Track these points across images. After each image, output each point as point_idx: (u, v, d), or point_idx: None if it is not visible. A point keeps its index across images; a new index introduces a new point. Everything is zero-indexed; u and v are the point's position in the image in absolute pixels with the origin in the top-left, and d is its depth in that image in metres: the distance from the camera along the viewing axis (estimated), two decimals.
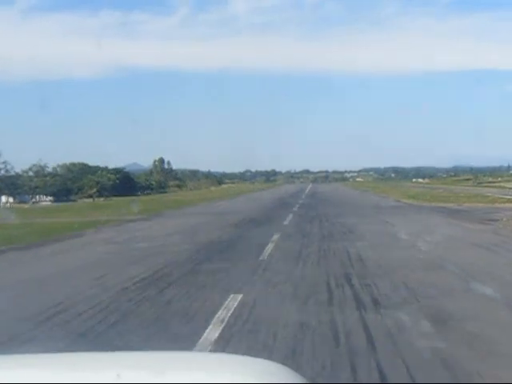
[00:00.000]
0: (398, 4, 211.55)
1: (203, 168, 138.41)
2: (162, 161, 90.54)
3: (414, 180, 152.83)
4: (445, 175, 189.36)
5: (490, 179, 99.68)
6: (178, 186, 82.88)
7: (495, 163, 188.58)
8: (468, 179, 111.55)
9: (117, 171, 63.13)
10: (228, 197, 53.81)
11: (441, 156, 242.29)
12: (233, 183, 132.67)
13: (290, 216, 24.98)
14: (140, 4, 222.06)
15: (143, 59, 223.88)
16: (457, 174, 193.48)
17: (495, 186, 67.55)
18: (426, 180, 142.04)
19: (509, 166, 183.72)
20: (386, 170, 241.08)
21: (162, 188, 73.98)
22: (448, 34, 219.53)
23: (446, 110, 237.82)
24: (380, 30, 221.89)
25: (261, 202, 42.32)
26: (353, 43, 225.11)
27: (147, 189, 68.38)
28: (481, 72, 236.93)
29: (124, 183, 59.98)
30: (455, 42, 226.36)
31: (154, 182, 76.12)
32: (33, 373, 1.56)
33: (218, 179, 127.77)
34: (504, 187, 60.21)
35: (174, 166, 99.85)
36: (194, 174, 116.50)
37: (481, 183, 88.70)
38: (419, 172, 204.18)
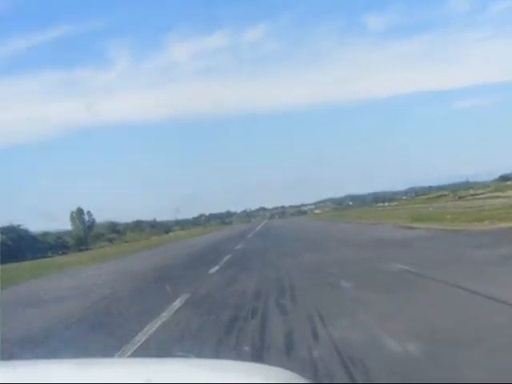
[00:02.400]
0: (334, 37, 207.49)
1: (157, 217, 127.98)
2: (80, 212, 76.79)
3: (380, 204, 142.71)
4: (405, 197, 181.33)
5: (472, 192, 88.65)
6: (110, 240, 69.48)
7: (451, 180, 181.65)
8: (442, 195, 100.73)
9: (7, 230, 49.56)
10: (157, 246, 46.88)
11: (394, 179, 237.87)
12: (182, 229, 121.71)
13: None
14: (79, 60, 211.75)
15: (88, 115, 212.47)
16: (418, 194, 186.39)
17: (491, 197, 56.68)
18: (394, 203, 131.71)
19: (468, 182, 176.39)
20: (343, 199, 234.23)
21: (82, 245, 59.85)
22: (385, 60, 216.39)
23: (392, 134, 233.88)
24: (319, 63, 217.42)
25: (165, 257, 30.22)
26: (292, 78, 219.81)
27: (61, 248, 54.54)
28: (420, 94, 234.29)
29: (19, 244, 46.67)
30: (395, 67, 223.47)
31: (69, 239, 62.24)
32: (50, 381, 1.57)
33: (165, 228, 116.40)
34: (510, 196, 49.15)
35: (119, 219, 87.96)
36: (138, 225, 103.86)
37: (463, 197, 77.95)
38: (377, 197, 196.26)
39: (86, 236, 67.89)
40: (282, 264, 16.64)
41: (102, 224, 79.81)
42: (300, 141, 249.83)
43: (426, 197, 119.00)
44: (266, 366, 1.72)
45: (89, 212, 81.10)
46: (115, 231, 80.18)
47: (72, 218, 74.59)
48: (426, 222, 29.65)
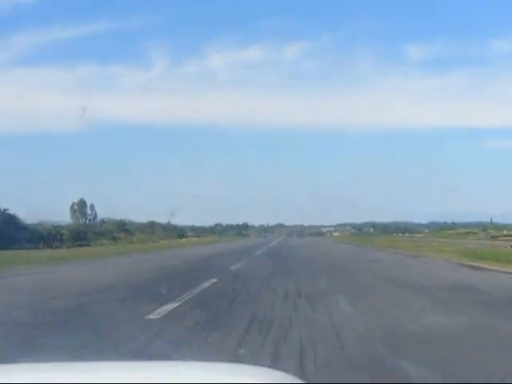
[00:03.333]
0: (372, 63, 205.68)
1: (175, 221, 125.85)
2: (82, 204, 72.69)
3: (401, 234, 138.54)
4: (426, 230, 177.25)
5: (505, 232, 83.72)
6: (114, 239, 65.80)
7: (474, 219, 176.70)
8: (470, 232, 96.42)
9: None
10: (156, 250, 43.84)
11: (415, 211, 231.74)
12: (197, 236, 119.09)
13: None
14: (117, 57, 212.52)
15: (119, 113, 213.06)
16: (440, 228, 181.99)
17: None
18: (419, 234, 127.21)
19: (491, 222, 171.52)
20: (363, 224, 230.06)
21: (81, 239, 55.43)
22: (420, 91, 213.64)
23: (419, 166, 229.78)
24: (354, 87, 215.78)
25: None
26: (326, 99, 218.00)
27: (55, 240, 50.32)
28: (452, 129, 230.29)
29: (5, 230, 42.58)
30: (430, 99, 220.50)
31: (66, 232, 58.53)
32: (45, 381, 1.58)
33: (179, 232, 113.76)
34: None
35: (136, 219, 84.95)
36: (151, 226, 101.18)
37: (495, 237, 73.49)
38: (398, 227, 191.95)
39: (86, 231, 64.06)
40: (293, 322, 9.47)
41: (112, 221, 76.66)
42: (325, 162, 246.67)
43: (451, 232, 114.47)
44: (263, 369, 1.75)
45: (92, 205, 77.81)
46: (124, 230, 77.10)
47: (72, 210, 70.62)
48: (489, 260, 24.32)
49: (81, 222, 70.56)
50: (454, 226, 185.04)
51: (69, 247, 47.54)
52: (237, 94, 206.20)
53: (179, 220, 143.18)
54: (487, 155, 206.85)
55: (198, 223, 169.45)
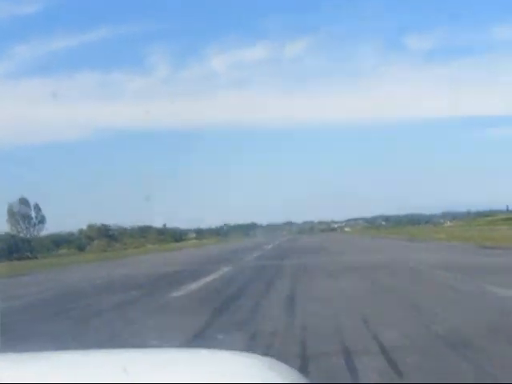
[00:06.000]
0: (374, 56, 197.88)
1: (179, 225, 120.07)
2: (24, 204, 58.20)
3: (422, 225, 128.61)
4: (442, 220, 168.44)
5: None
6: (80, 247, 54.81)
7: (488, 207, 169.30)
8: (506, 219, 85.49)
9: None
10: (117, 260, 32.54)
11: (427, 202, 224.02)
12: (197, 239, 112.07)
13: None
14: (118, 64, 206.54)
15: (122, 119, 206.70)
16: (456, 217, 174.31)
17: None
18: (449, 223, 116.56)
19: (507, 209, 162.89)
20: (375, 218, 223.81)
21: (21, 251, 43.43)
22: (425, 82, 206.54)
23: (430, 158, 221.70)
24: (358, 80, 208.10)
25: None
26: (330, 94, 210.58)
27: None
28: (462, 118, 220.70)
29: None
30: (439, 88, 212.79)
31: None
32: (35, 371, 1.50)
33: (176, 235, 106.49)
34: None
35: (132, 223, 76.17)
36: (145, 231, 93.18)
37: None
38: (412, 219, 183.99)
39: (32, 239, 51.81)
40: None
41: (93, 227, 66.51)
42: (333, 156, 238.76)
43: (489, 218, 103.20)
44: (267, 360, 1.61)
45: (37, 206, 62.19)
46: (108, 236, 67.44)
47: (10, 213, 56.83)
48: None
49: (20, 227, 56.69)
50: (468, 215, 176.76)
51: (18, 259, 37.34)
52: (240, 94, 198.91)
53: (183, 223, 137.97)
54: (496, 144, 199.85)
55: (203, 225, 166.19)
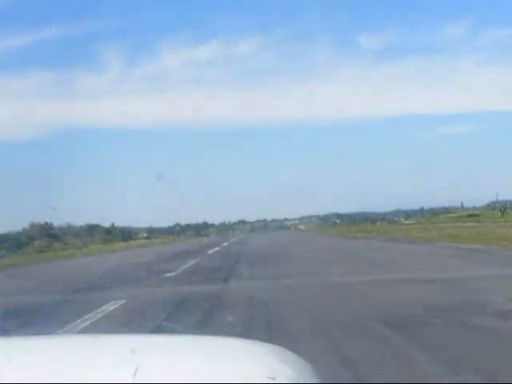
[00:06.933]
0: (327, 55, 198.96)
1: (130, 223, 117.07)
2: None
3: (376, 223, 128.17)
4: (396, 218, 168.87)
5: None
6: (13, 249, 51.00)
7: (440, 204, 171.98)
8: (470, 215, 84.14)
9: None
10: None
11: (378, 200, 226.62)
12: (147, 238, 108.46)
13: None
14: (71, 62, 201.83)
15: (77, 118, 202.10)
16: (408, 215, 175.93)
17: None
18: (409, 222, 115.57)
19: (462, 206, 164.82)
20: (328, 216, 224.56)
21: None
22: (378, 80, 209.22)
23: (381, 156, 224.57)
24: (310, 80, 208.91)
25: None
26: (282, 93, 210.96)
27: None
28: (410, 116, 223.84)
29: None
30: (389, 87, 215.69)
31: None
32: (40, 355, 1.52)
33: (126, 234, 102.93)
34: None
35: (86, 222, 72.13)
36: (92, 229, 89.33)
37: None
38: (366, 217, 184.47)
39: None
40: None
41: (35, 225, 62.89)
42: (286, 155, 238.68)
43: (451, 215, 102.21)
44: (271, 346, 1.61)
45: None
46: (50, 235, 63.79)
47: None
48: None
49: None
50: (422, 212, 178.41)
51: None
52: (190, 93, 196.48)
53: (135, 222, 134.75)
54: (445, 141, 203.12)
55: (155, 224, 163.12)
